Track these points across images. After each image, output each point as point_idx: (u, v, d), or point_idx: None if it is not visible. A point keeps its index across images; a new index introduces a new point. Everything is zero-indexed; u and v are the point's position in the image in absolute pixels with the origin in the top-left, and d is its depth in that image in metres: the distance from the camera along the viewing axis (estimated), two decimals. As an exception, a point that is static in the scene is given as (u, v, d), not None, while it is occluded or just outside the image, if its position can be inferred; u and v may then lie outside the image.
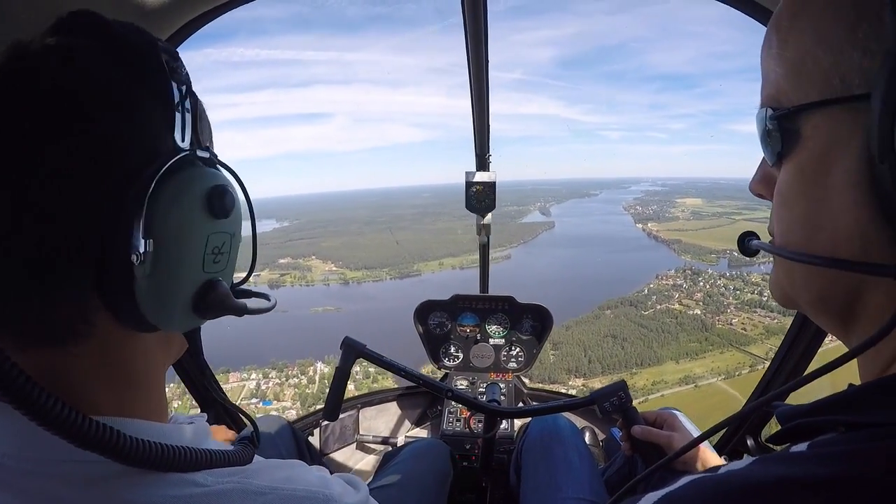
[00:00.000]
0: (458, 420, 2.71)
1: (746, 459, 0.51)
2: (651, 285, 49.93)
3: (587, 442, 2.29)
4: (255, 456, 0.73)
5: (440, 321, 3.10)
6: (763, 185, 0.65)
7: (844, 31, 0.49)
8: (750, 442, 2.19)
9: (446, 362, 3.10)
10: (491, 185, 2.68)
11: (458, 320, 3.08)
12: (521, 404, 2.93)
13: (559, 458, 1.76)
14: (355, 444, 3.02)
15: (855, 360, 0.52)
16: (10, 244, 0.54)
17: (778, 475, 0.45)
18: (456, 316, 3.08)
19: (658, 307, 44.92)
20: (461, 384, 2.97)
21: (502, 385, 2.80)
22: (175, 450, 0.58)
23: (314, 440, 2.84)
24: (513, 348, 3.06)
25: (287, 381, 31.84)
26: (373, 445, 3.03)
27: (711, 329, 40.52)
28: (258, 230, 0.87)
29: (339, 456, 2.94)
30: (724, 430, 2.25)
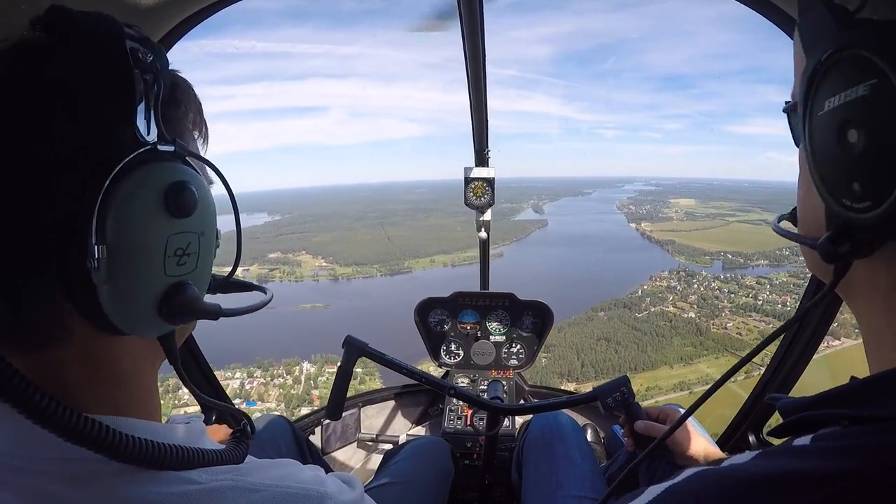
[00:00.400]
0: (460, 418, 2.71)
1: (749, 453, 0.51)
2: (645, 287, 49.46)
3: (589, 439, 2.32)
4: (250, 455, 0.73)
5: (440, 318, 3.09)
6: None
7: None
8: (752, 438, 2.20)
9: (447, 360, 3.09)
10: (490, 181, 2.68)
11: (458, 317, 3.07)
12: (521, 402, 2.94)
13: (561, 456, 1.76)
14: (356, 442, 3.02)
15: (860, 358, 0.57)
16: None
17: (781, 469, 0.45)
18: (456, 313, 3.07)
19: (652, 309, 44.44)
20: (462, 382, 2.98)
21: (504, 382, 2.61)
22: (166, 447, 0.58)
23: (315, 439, 2.82)
24: (513, 345, 3.06)
25: (272, 380, 30.99)
26: (374, 444, 3.03)
27: (706, 333, 40.01)
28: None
29: (340, 455, 2.94)
30: (727, 426, 2.32)
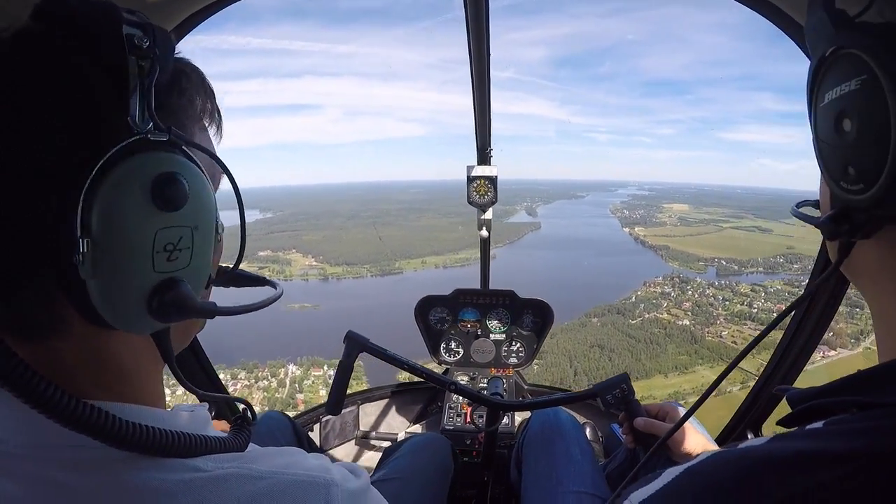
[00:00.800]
0: (459, 415, 2.71)
1: (764, 437, 0.53)
2: (639, 292, 49.06)
3: (588, 437, 2.31)
4: (253, 444, 0.74)
5: (441, 316, 3.10)
6: None
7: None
8: (750, 436, 2.20)
9: (447, 357, 3.11)
10: (492, 180, 2.71)
11: (459, 315, 3.08)
12: (520, 399, 2.90)
13: (560, 452, 1.77)
14: (355, 440, 3.03)
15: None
16: None
17: (797, 448, 0.47)
18: (457, 311, 3.08)
19: (646, 316, 43.96)
20: (462, 379, 2.95)
21: (504, 379, 2.56)
22: (168, 434, 0.58)
23: (314, 436, 2.81)
24: (513, 344, 3.07)
25: (256, 383, 29.84)
26: (373, 441, 3.04)
27: (701, 341, 39.47)
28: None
29: (339, 452, 2.96)
30: (725, 424, 2.36)
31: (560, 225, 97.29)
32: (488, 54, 2.05)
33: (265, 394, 29.15)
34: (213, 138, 0.79)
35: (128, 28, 0.57)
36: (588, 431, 2.58)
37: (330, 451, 2.92)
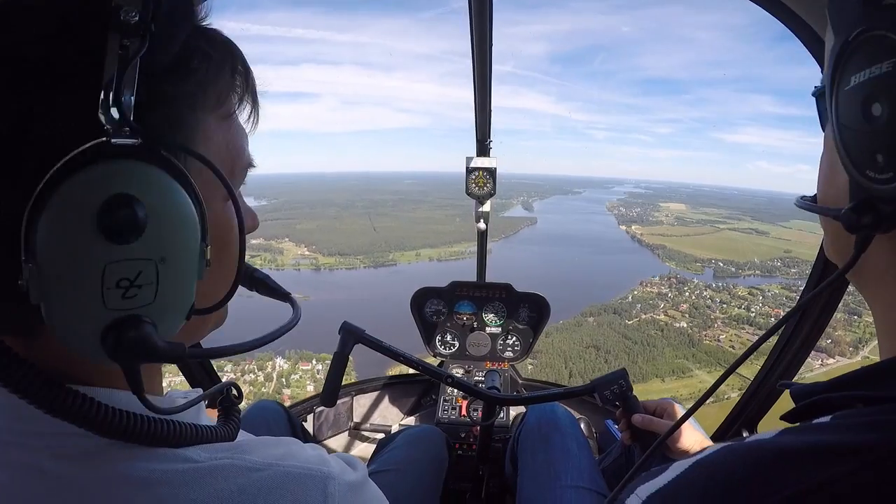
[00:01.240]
0: (454, 408, 2.70)
1: (773, 431, 0.52)
2: (635, 292, 48.70)
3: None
4: (249, 434, 0.72)
5: (437, 308, 3.07)
6: None
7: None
8: (746, 434, 1.92)
9: (442, 350, 3.08)
10: (491, 171, 2.70)
11: (455, 308, 3.06)
12: (515, 393, 2.93)
13: (557, 447, 1.77)
14: (349, 430, 3.00)
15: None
16: None
17: (806, 442, 0.47)
18: (453, 303, 3.05)
19: (643, 316, 43.60)
20: (457, 372, 2.93)
21: (500, 374, 2.43)
22: (157, 422, 0.55)
23: (307, 426, 2.75)
24: (509, 337, 3.05)
25: (242, 376, 29.01)
26: (366, 433, 3.03)
27: (698, 345, 39.02)
28: None
29: (332, 443, 2.95)
30: (720, 424, 2.38)
31: (556, 220, 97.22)
32: (490, 46, 2.06)
33: (251, 388, 28.39)
34: (245, 125, 0.70)
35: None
36: (582, 427, 2.41)
37: (323, 442, 2.87)
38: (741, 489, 0.46)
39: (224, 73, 0.62)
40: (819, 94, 0.65)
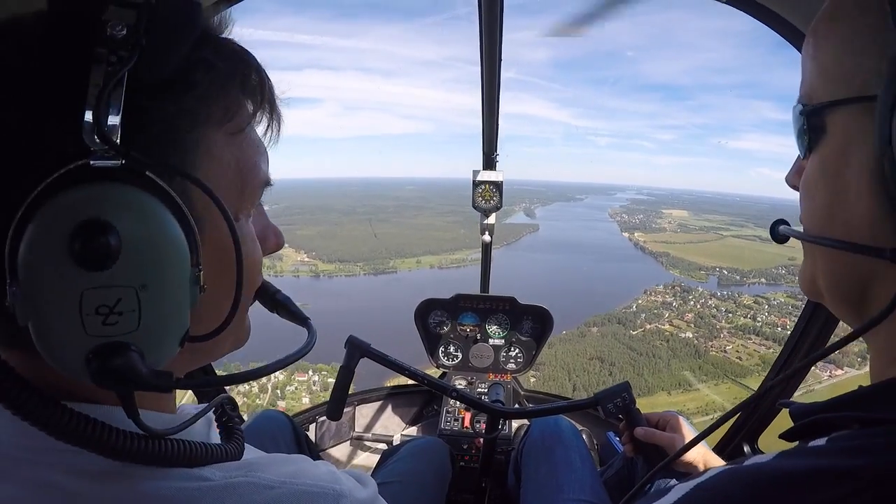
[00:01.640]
0: (456, 419, 2.72)
1: (770, 454, 0.53)
2: (640, 301, 47.98)
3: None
4: (254, 448, 0.73)
5: (440, 320, 3.10)
6: (797, 177, 0.68)
7: (868, 37, 0.54)
8: (746, 448, 2.23)
9: (445, 361, 3.11)
10: (498, 185, 2.75)
11: (458, 319, 3.09)
12: (517, 405, 2.96)
13: (560, 459, 1.78)
14: (350, 440, 3.04)
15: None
16: None
17: (803, 467, 0.47)
18: (456, 315, 3.09)
19: (647, 326, 42.86)
20: (459, 384, 2.97)
21: (503, 386, 2.51)
22: (169, 445, 0.55)
23: (310, 436, 2.73)
24: (512, 349, 3.07)
25: (236, 388, 28.23)
26: (368, 443, 3.06)
27: (705, 356, 38.21)
28: None
29: (334, 452, 2.97)
30: (721, 437, 2.35)
31: (558, 227, 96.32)
32: (500, 59, 2.07)
33: (245, 399, 27.61)
34: (264, 139, 0.68)
35: (115, 8, 0.47)
36: (584, 439, 2.40)
37: (325, 452, 2.91)
38: None
39: (232, 85, 0.60)
40: (812, 112, 0.61)
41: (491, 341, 3.07)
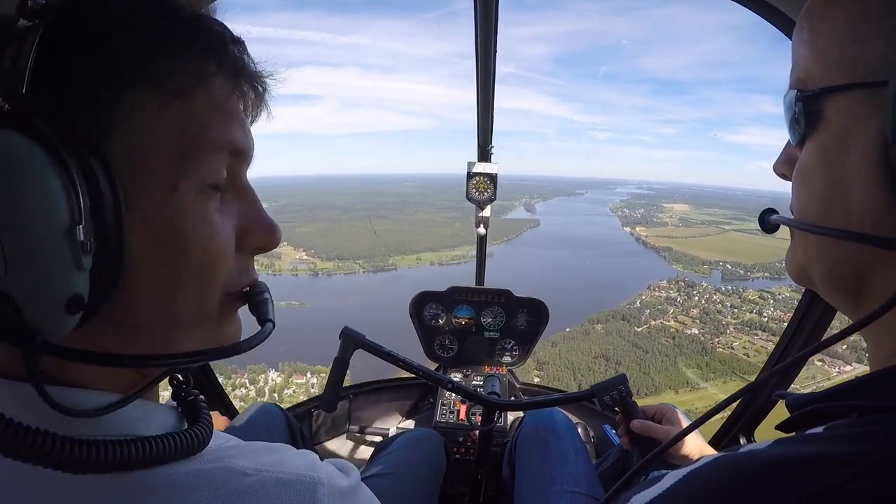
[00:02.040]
0: (452, 412, 2.73)
1: (766, 441, 0.52)
2: (643, 297, 47.57)
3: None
4: (239, 440, 0.71)
5: (435, 312, 3.07)
6: (787, 165, 0.68)
7: (873, 21, 0.53)
8: (742, 440, 2.21)
9: (440, 354, 3.09)
10: (492, 177, 2.76)
11: (453, 312, 3.06)
12: (512, 398, 2.99)
13: (555, 452, 1.79)
14: (346, 433, 3.05)
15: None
16: None
17: (799, 453, 0.47)
18: (451, 308, 3.06)
19: (652, 323, 42.36)
20: (455, 376, 2.92)
21: (499, 378, 2.47)
22: (128, 446, 0.53)
23: (305, 429, 2.65)
24: (507, 342, 3.06)
25: (233, 391, 27.59)
26: (364, 435, 3.07)
27: (712, 353, 37.64)
28: None
29: (330, 445, 2.98)
30: (718, 429, 2.36)
31: (559, 223, 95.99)
32: (495, 52, 2.07)
33: (242, 403, 26.87)
34: (242, 111, 0.65)
35: None
36: (579, 431, 2.30)
37: (321, 445, 2.91)
38: (736, 500, 0.46)
39: (171, 47, 0.57)
40: (810, 98, 0.59)
41: (486, 334, 3.04)
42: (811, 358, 1.60)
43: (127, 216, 0.52)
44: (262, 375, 28.85)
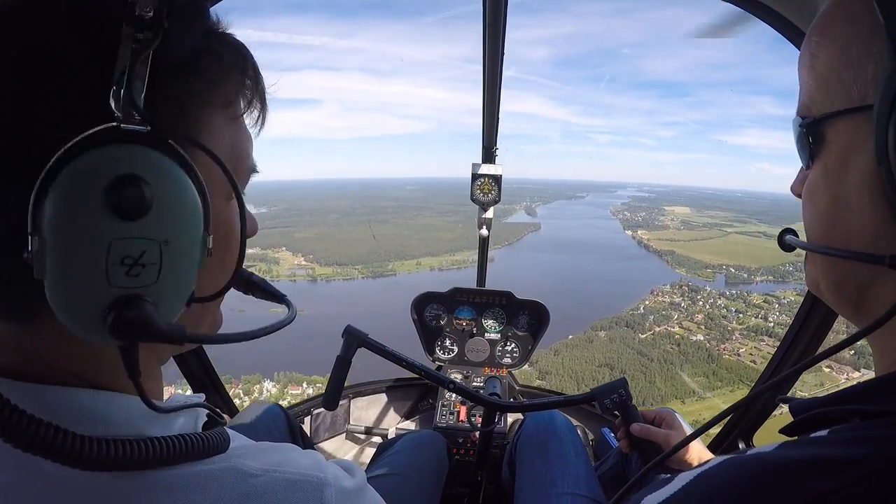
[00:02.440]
0: (452, 413, 2.74)
1: (772, 444, 0.53)
2: (647, 302, 46.70)
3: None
4: (246, 439, 0.73)
5: (437, 313, 3.11)
6: (801, 185, 0.70)
7: (862, 46, 0.55)
8: (742, 446, 2.21)
9: (441, 355, 3.12)
10: (497, 179, 2.76)
11: (454, 313, 3.10)
12: (512, 400, 2.93)
13: (556, 454, 1.79)
14: (345, 433, 3.06)
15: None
16: None
17: (806, 455, 0.48)
18: (453, 309, 3.10)
19: (657, 329, 41.58)
20: (455, 377, 2.74)
21: (500, 380, 2.45)
22: (141, 446, 0.54)
23: (305, 428, 2.83)
24: (508, 344, 3.09)
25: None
26: (363, 436, 3.09)
27: (718, 360, 36.84)
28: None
29: (328, 445, 3.00)
30: (716, 434, 2.34)
31: (561, 226, 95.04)
32: (503, 53, 2.08)
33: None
34: (252, 129, 0.73)
35: None
36: (578, 434, 2.38)
37: (320, 445, 2.93)
38: (745, 501, 0.47)
39: (234, 74, 0.64)
40: (813, 123, 0.62)
41: (487, 335, 3.08)
42: (819, 364, 1.57)
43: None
44: (258, 386, 28.30)
